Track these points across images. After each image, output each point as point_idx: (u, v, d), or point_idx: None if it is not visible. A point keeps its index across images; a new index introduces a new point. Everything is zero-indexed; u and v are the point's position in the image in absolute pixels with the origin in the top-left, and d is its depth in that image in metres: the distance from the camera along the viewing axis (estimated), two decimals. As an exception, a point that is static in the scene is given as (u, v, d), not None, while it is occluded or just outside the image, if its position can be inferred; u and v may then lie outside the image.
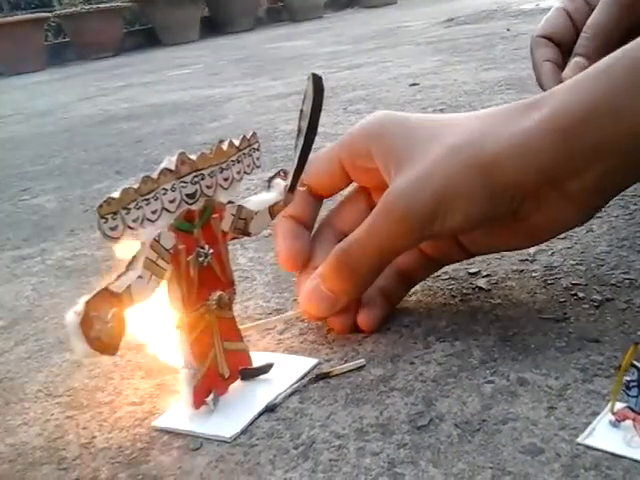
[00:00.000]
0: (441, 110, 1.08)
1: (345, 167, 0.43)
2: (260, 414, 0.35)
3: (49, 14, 4.74)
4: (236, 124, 1.27)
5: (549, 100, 0.37)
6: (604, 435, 0.29)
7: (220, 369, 0.36)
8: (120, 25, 4.91)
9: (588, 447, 0.29)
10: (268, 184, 0.40)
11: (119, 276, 0.32)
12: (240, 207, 0.37)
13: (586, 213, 0.39)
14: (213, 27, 5.08)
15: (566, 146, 0.35)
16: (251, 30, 5.08)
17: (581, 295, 0.42)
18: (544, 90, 0.55)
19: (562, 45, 0.56)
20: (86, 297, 0.30)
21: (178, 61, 3.20)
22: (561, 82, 0.53)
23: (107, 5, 4.82)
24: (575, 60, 0.53)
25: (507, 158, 0.36)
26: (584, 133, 0.35)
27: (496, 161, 0.36)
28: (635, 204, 0.56)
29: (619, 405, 0.30)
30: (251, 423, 0.35)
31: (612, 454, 0.28)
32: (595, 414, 0.31)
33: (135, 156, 1.12)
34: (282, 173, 0.40)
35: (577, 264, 0.47)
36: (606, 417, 0.30)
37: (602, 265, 0.46)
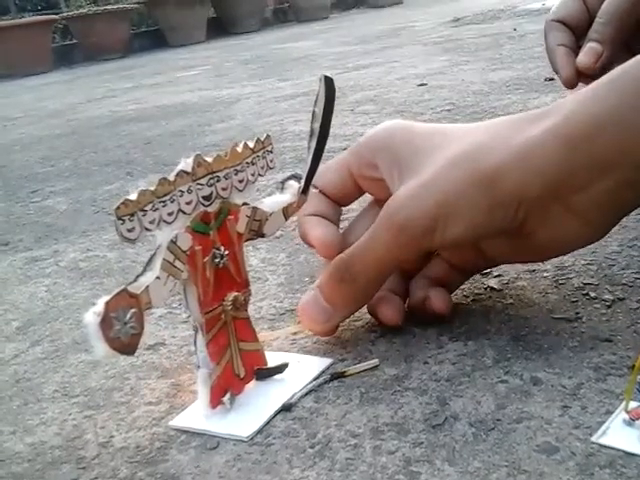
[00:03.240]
0: (449, 110, 1.08)
1: (355, 177, 0.43)
2: (276, 413, 0.36)
3: (56, 16, 4.76)
4: (244, 125, 1.28)
5: (555, 111, 0.36)
6: (618, 434, 0.30)
7: (236, 369, 0.37)
8: (127, 27, 4.93)
9: (602, 446, 0.29)
10: (281, 186, 0.40)
11: (137, 277, 0.32)
12: (255, 209, 0.38)
13: (596, 230, 0.37)
14: (220, 28, 5.09)
15: (571, 158, 0.34)
16: (258, 31, 5.08)
17: (593, 295, 0.43)
18: (558, 74, 0.54)
19: (576, 29, 0.55)
20: (105, 298, 0.30)
21: (185, 62, 3.21)
22: (575, 67, 0.53)
23: (114, 7, 4.83)
24: (589, 45, 0.52)
25: (510, 169, 0.35)
26: (590, 146, 0.34)
27: (498, 172, 0.36)
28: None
29: (633, 404, 0.30)
30: (267, 422, 0.35)
31: (626, 452, 0.29)
32: (609, 413, 0.31)
33: (145, 157, 1.13)
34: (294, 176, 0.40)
35: (588, 264, 0.47)
36: (620, 416, 0.30)
37: (613, 265, 0.46)
